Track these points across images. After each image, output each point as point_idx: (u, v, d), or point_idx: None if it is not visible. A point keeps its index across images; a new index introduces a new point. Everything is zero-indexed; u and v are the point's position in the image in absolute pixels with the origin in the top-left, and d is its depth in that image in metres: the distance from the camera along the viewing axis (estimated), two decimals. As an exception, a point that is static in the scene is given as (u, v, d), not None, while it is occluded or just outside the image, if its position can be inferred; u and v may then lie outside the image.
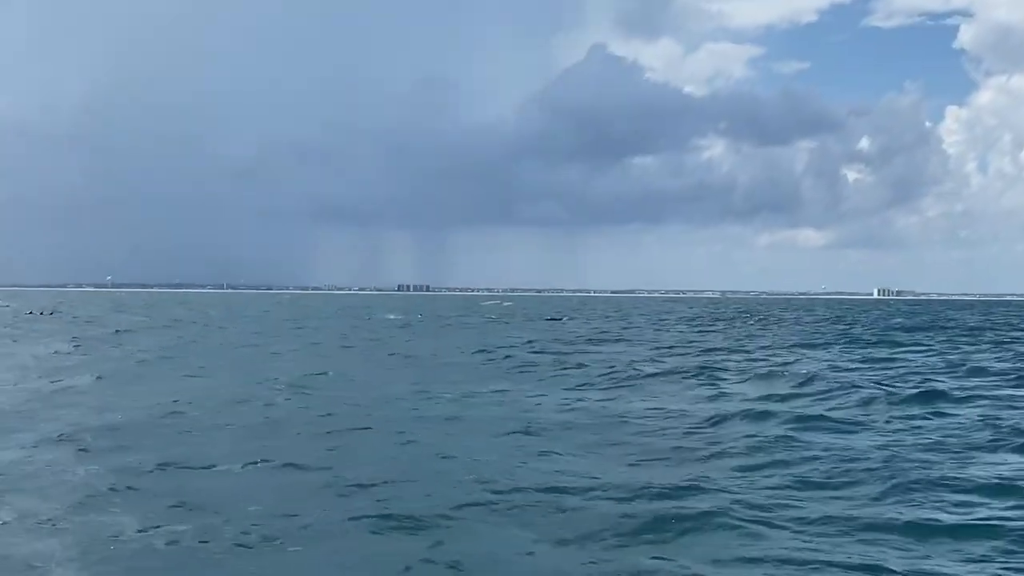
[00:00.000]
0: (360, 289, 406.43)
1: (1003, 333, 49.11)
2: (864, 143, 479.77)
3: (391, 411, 17.70)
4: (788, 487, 11.20)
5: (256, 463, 12.50)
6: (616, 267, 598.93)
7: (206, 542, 8.93)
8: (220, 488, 11.11)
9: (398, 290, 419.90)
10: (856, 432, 15.18)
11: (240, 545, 8.84)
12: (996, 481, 11.32)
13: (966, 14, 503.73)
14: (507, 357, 29.78)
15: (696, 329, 55.76)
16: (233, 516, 9.60)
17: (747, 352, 33.74)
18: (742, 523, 9.43)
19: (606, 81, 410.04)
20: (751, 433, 14.90)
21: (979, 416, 16.51)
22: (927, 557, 8.60)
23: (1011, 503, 10.36)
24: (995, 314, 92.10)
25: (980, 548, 8.84)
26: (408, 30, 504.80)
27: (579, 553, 8.58)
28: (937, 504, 10.34)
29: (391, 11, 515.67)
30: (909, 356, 31.92)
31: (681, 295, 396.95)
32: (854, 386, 20.75)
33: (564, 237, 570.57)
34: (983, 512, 10.04)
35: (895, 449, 13.30)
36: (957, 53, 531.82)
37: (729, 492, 10.75)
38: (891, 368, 27.09)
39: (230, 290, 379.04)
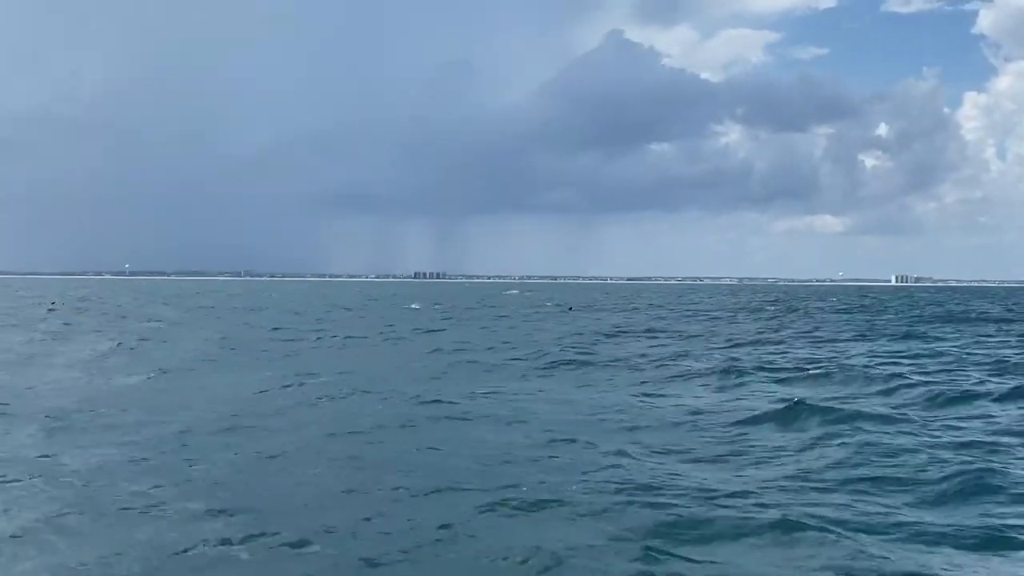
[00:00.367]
0: (377, 277, 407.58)
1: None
2: (882, 129, 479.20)
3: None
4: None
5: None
6: (632, 254, 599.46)
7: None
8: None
9: (414, 277, 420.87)
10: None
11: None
12: None
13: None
14: (548, 353, 29.14)
15: (729, 319, 55.57)
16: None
17: (805, 345, 33.25)
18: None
19: (623, 67, 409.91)
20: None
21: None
22: None
23: None
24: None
25: None
26: (424, 18, 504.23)
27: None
28: None
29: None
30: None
31: (698, 282, 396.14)
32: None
33: (580, 224, 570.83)
34: None
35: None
36: (976, 39, 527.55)
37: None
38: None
39: (248, 278, 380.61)
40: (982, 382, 20.90)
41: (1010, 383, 20.12)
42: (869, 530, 9.32)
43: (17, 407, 17.12)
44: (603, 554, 8.55)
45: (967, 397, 18.48)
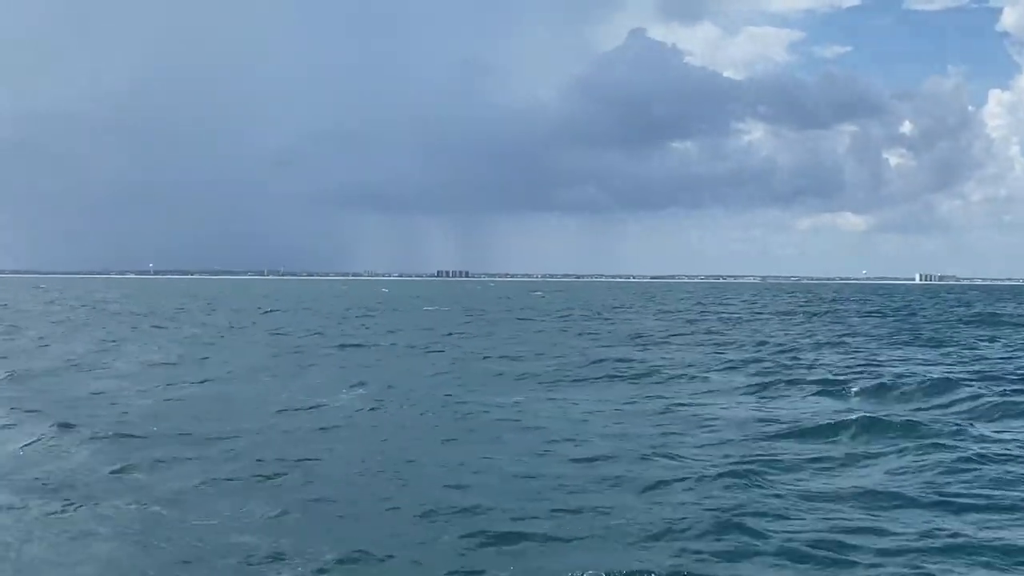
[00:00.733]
0: (400, 275, 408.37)
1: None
2: (906, 127, 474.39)
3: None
4: None
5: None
6: (655, 252, 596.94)
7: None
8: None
9: (437, 276, 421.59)
10: None
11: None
12: None
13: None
14: (619, 361, 29.27)
15: (763, 321, 55.61)
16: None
17: (848, 352, 33.27)
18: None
19: (645, 65, 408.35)
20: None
21: None
22: None
23: None
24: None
25: None
26: (447, 16, 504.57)
27: None
28: None
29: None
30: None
31: (721, 280, 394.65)
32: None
33: (603, 222, 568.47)
34: None
35: None
36: (1000, 36, 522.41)
37: None
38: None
39: (272, 277, 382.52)
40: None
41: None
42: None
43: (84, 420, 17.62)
44: None
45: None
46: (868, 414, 17.44)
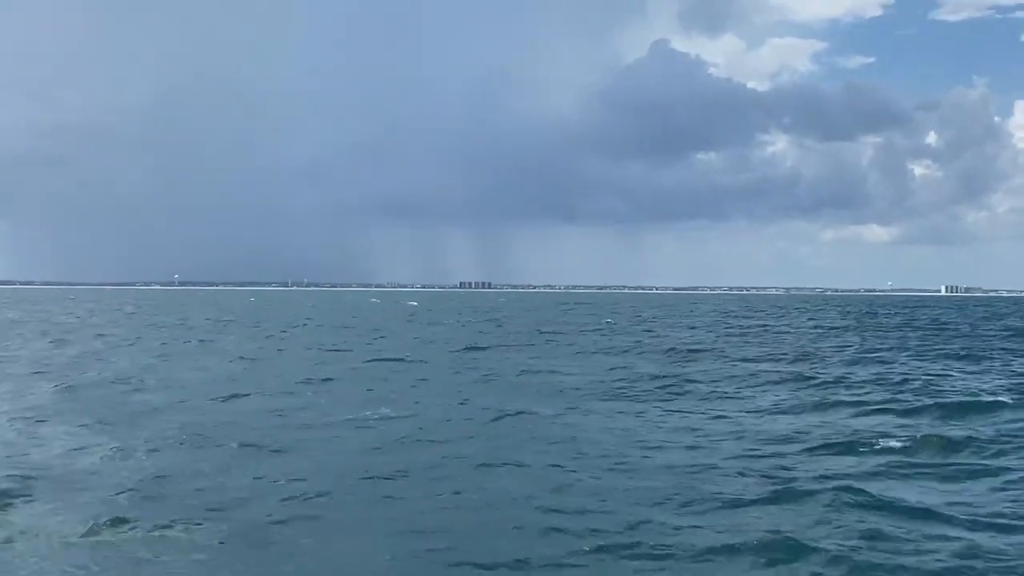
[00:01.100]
0: (423, 286, 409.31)
1: None
2: (931, 138, 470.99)
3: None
4: None
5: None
6: (678, 264, 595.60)
7: None
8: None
9: (459, 287, 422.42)
10: None
11: None
12: None
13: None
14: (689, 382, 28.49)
15: (813, 336, 55.10)
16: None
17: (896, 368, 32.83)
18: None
19: (669, 76, 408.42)
20: None
21: None
22: None
23: None
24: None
25: None
26: (469, 27, 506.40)
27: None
28: None
29: (453, 8, 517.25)
30: None
31: (744, 292, 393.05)
32: None
33: (625, 233, 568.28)
34: None
35: None
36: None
37: None
38: None
39: (294, 288, 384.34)
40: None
41: None
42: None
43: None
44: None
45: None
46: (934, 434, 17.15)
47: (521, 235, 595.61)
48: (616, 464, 15.05)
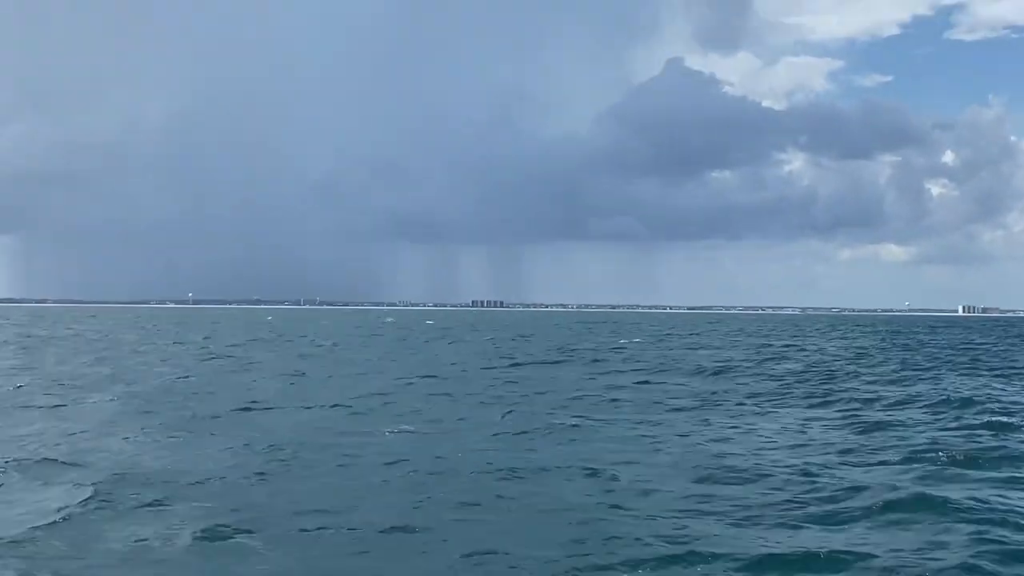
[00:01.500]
0: (435, 305, 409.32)
1: None
2: (948, 157, 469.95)
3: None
4: None
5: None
6: (692, 283, 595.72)
7: None
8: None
9: (472, 306, 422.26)
10: None
11: None
12: None
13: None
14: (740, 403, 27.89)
15: (852, 356, 54.13)
16: None
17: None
18: None
19: (683, 95, 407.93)
20: None
21: None
22: None
23: None
24: None
25: None
26: (483, 46, 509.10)
27: None
28: None
29: (466, 26, 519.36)
30: None
31: (760, 311, 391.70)
32: None
33: (639, 252, 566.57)
34: None
35: None
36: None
37: None
38: None
39: (307, 306, 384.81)
40: None
41: None
42: None
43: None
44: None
45: None
46: None
47: (534, 254, 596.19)
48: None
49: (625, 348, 58.70)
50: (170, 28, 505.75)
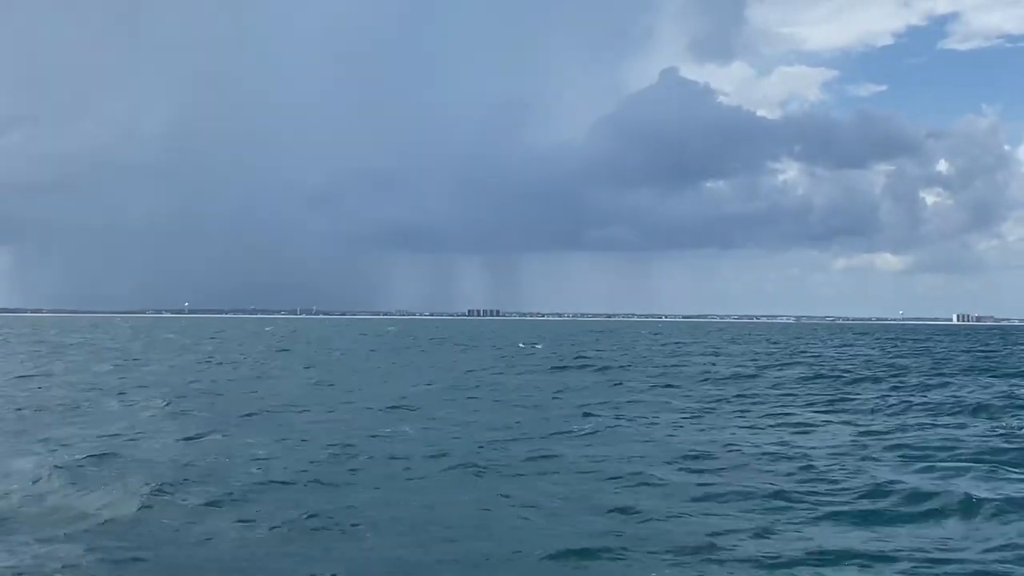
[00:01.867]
0: (431, 314, 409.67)
1: None
2: (942, 166, 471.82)
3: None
4: None
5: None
6: (687, 292, 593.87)
7: None
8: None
9: (467, 315, 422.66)
10: None
11: None
12: None
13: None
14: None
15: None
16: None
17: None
18: None
19: (678, 104, 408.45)
20: None
21: None
22: None
23: None
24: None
25: None
26: (482, 56, 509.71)
27: None
28: None
29: (461, 36, 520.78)
30: None
31: (754, 320, 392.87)
32: None
33: (634, 261, 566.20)
34: None
35: None
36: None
37: None
38: None
39: (303, 316, 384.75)
40: None
41: None
42: None
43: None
44: None
45: None
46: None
47: (530, 263, 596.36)
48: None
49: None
50: (167, 37, 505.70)
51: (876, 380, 36.98)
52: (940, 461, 17.07)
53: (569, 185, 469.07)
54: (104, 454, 17.07)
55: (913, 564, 10.55)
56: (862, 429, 21.92)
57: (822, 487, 14.70)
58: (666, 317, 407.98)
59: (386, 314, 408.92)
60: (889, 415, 25.01)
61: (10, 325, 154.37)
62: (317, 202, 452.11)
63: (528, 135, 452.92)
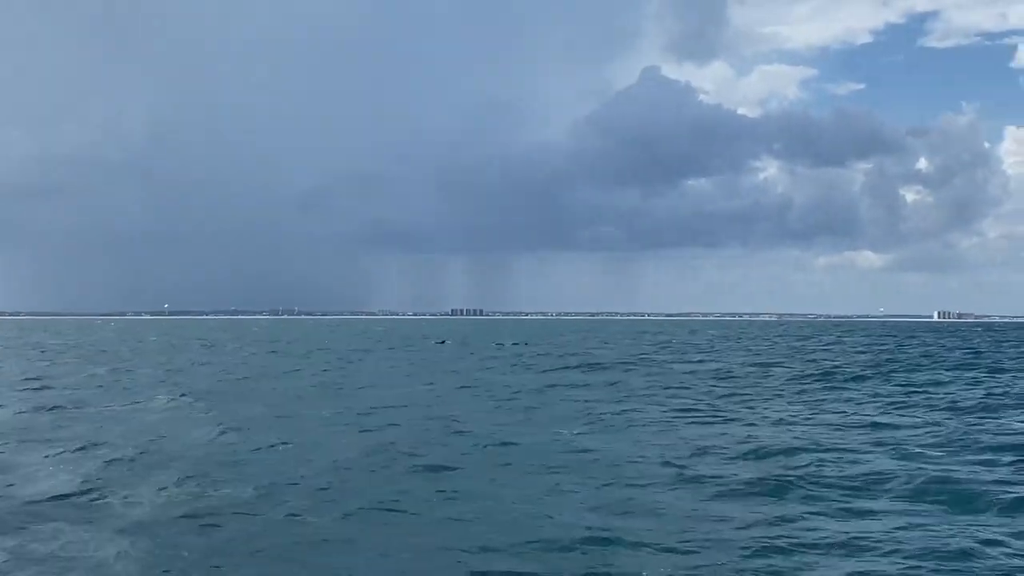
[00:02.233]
0: (414, 314, 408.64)
1: None
2: (922, 164, 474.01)
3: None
4: None
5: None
6: (670, 290, 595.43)
7: None
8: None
9: (451, 314, 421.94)
10: None
11: None
12: None
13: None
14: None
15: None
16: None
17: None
18: None
19: (659, 103, 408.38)
20: None
21: None
22: None
23: None
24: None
25: None
26: (465, 56, 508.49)
27: None
28: None
29: (445, 37, 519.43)
30: None
31: (737, 318, 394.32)
32: None
33: (618, 260, 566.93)
34: None
35: None
36: (1015, 73, 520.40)
37: None
38: None
39: (285, 316, 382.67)
40: None
41: None
42: None
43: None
44: None
45: None
46: None
47: (513, 262, 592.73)
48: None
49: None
50: (151, 40, 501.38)
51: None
52: None
53: (553, 185, 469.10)
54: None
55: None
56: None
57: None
58: (649, 315, 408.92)
59: (369, 314, 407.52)
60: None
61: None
62: (299, 203, 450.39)
63: (512, 135, 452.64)
